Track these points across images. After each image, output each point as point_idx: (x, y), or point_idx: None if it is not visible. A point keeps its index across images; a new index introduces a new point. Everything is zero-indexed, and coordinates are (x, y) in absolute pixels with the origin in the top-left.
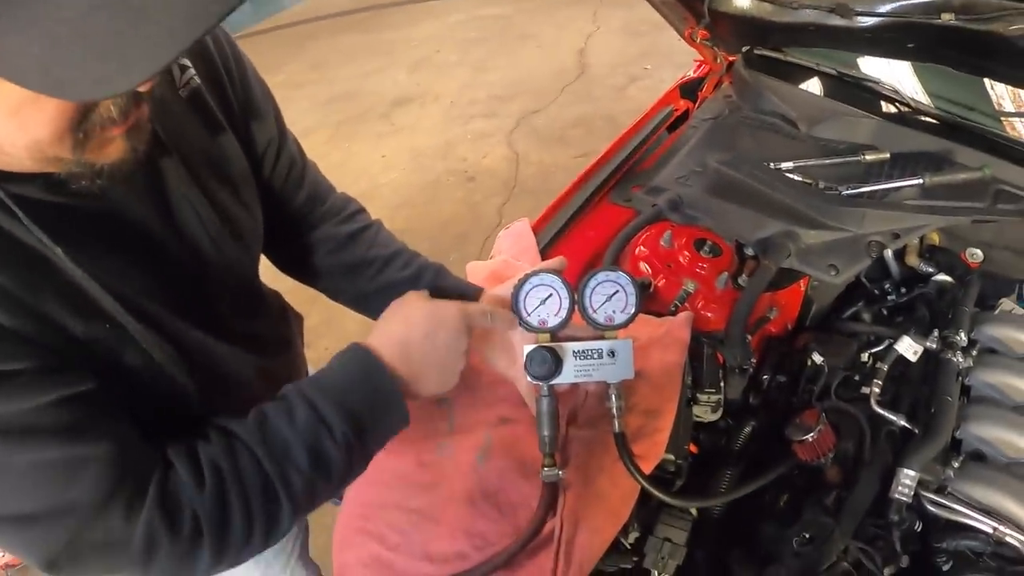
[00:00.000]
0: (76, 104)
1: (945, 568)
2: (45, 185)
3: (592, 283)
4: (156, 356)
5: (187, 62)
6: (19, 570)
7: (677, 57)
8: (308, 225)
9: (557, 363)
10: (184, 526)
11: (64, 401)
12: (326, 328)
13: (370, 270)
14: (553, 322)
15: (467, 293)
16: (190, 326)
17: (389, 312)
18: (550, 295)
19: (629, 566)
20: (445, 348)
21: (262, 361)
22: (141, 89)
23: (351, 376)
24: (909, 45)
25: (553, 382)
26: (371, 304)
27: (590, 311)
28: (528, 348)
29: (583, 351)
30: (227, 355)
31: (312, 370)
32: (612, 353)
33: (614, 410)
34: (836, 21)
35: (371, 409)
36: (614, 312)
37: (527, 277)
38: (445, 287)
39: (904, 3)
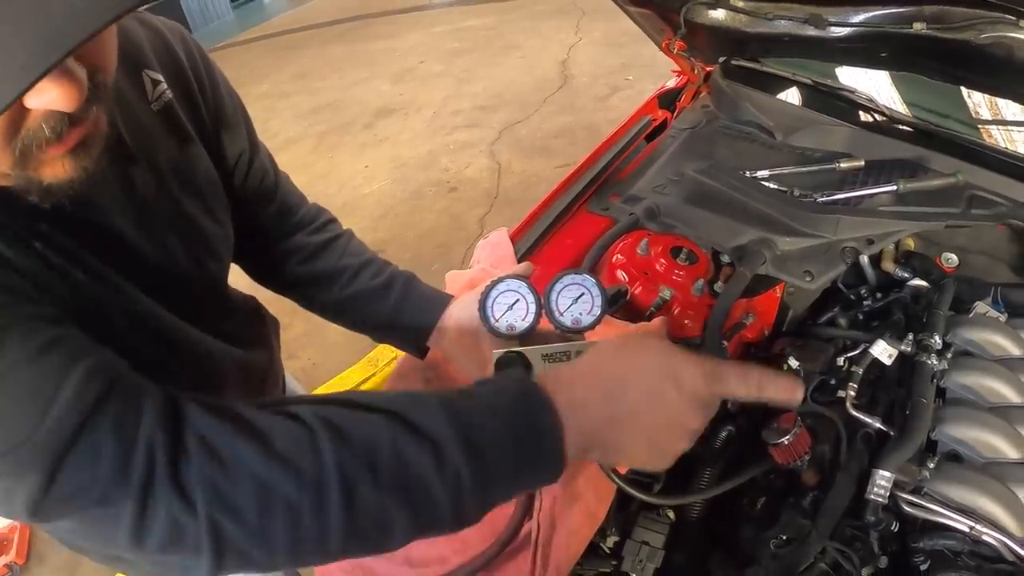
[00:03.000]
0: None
1: (923, 567)
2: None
3: (558, 286)
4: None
5: (160, 76)
6: (24, 568)
7: (659, 68)
8: (280, 235)
9: (526, 367)
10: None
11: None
12: (308, 339)
13: (342, 279)
14: (521, 327)
15: (438, 301)
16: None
17: (604, 347)
18: (517, 300)
19: (607, 570)
20: (668, 415)
21: (237, 352)
22: (65, 107)
23: (501, 399)
24: (883, 54)
25: None
26: (343, 313)
27: (557, 314)
28: (497, 353)
29: (551, 354)
30: (200, 341)
31: (292, 376)
32: (580, 355)
33: None
34: (810, 31)
35: (513, 445)
36: (581, 314)
37: (494, 283)
38: (414, 295)
39: (877, 13)
